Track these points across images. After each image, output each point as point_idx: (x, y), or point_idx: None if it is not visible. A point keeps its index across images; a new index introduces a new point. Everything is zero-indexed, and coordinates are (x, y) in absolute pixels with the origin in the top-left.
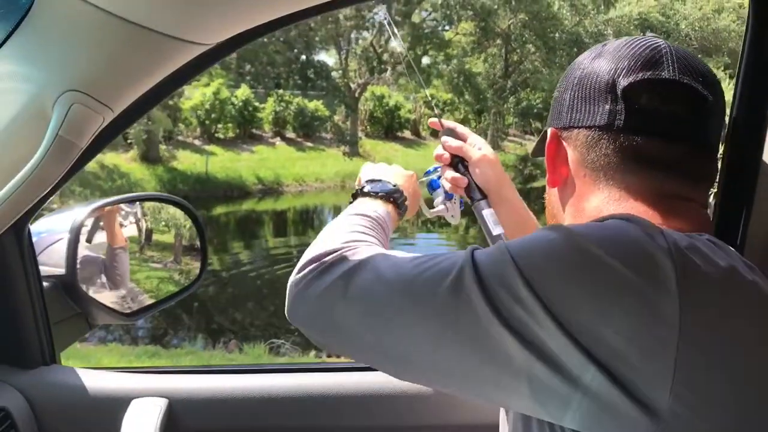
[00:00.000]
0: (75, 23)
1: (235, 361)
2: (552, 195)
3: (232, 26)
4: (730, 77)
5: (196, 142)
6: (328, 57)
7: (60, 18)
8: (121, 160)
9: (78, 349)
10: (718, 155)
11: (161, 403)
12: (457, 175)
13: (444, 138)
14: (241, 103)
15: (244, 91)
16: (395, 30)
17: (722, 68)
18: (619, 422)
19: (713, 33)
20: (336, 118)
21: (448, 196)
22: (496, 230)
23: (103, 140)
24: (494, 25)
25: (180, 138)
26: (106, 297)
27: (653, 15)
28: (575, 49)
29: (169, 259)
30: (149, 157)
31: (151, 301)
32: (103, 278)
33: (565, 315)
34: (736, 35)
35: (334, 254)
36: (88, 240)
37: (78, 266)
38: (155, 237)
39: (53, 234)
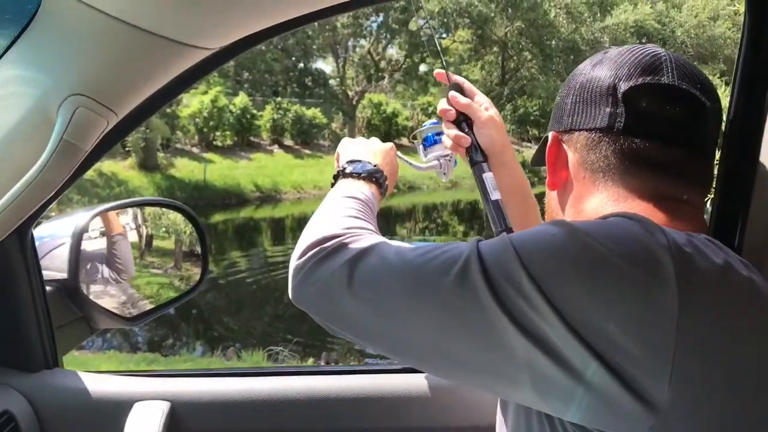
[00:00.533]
0: (79, 28)
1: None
2: (551, 198)
3: (235, 31)
4: (726, 84)
5: (194, 149)
6: (325, 65)
7: (65, 22)
8: (119, 167)
9: (76, 356)
10: (716, 161)
11: (164, 406)
12: (461, 134)
13: (452, 93)
14: (239, 111)
15: (242, 99)
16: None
17: (718, 75)
18: (620, 415)
19: (709, 40)
20: (334, 125)
21: (444, 153)
22: (495, 195)
23: (107, 144)
24: (491, 33)
25: (178, 146)
26: (110, 301)
27: (649, 22)
28: (572, 57)
29: (169, 265)
30: (147, 164)
31: (151, 306)
32: (106, 271)
33: (568, 309)
34: (732, 42)
35: (337, 239)
36: (95, 242)
37: (80, 268)
38: (156, 243)
39: (55, 239)
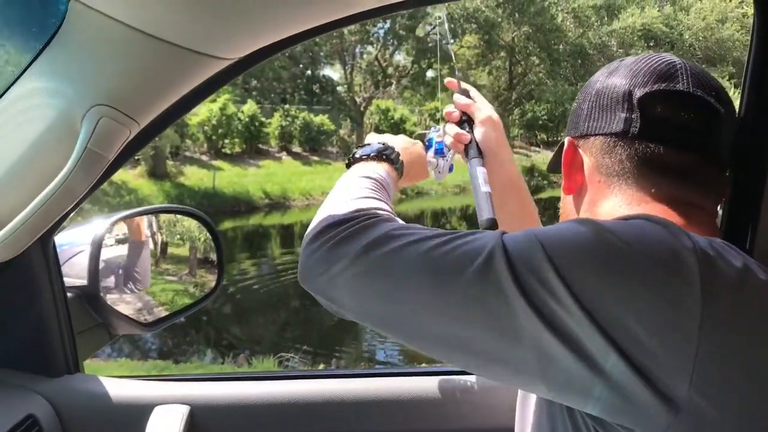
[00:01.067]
0: (103, 40)
1: None
2: (567, 203)
3: (254, 41)
4: (736, 87)
5: (203, 157)
6: (333, 72)
7: (88, 35)
8: (129, 176)
9: (88, 363)
10: (727, 167)
11: (183, 410)
12: (462, 131)
13: (456, 96)
14: (247, 119)
15: (250, 107)
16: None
17: (727, 78)
18: (639, 411)
19: (717, 43)
20: (342, 132)
21: (441, 154)
22: (485, 188)
23: (129, 152)
24: (498, 38)
25: (187, 154)
26: (126, 308)
27: (657, 26)
28: (579, 61)
29: (184, 272)
30: (157, 172)
31: (167, 313)
32: (123, 280)
33: (593, 303)
34: (741, 45)
35: (354, 221)
36: (113, 250)
37: (99, 276)
38: (170, 250)
39: (74, 246)
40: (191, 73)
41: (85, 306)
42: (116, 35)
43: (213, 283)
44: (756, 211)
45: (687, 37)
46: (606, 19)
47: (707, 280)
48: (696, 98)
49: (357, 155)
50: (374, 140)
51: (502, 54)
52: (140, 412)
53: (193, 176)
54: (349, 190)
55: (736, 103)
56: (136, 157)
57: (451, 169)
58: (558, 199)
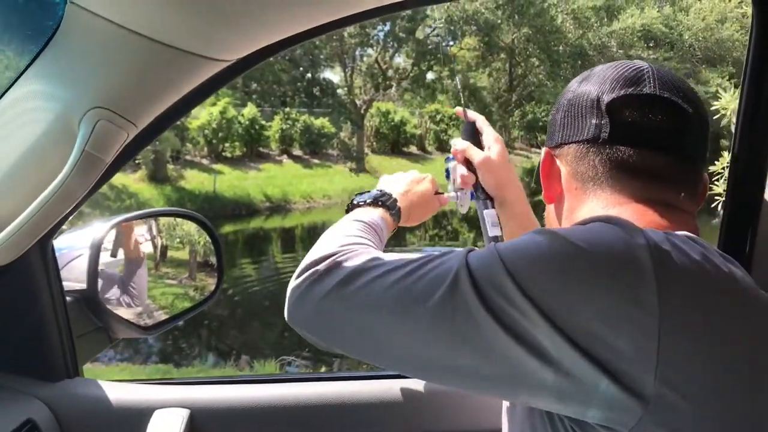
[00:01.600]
0: (100, 42)
1: None
2: (549, 212)
3: (251, 43)
4: (735, 86)
5: (204, 161)
6: (333, 74)
7: (85, 38)
8: (130, 180)
9: (89, 368)
10: (702, 166)
11: (183, 414)
12: (466, 172)
13: (453, 141)
14: (247, 122)
15: (250, 110)
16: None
17: (727, 78)
18: (611, 408)
19: (717, 43)
20: (342, 134)
21: (458, 187)
22: (493, 232)
23: (127, 155)
24: (498, 40)
25: (188, 157)
26: (125, 312)
27: (656, 26)
28: (579, 62)
29: (183, 276)
30: (157, 176)
31: (167, 316)
32: (120, 294)
33: (553, 310)
34: (740, 45)
35: (331, 259)
36: (113, 255)
37: (98, 280)
38: (170, 253)
39: (73, 250)
40: (188, 76)
41: (85, 310)
42: (113, 38)
43: (213, 287)
44: (755, 212)
45: (687, 37)
46: (606, 20)
47: (662, 273)
48: (663, 100)
49: (354, 202)
50: (381, 184)
51: (502, 56)
52: (140, 415)
53: (194, 180)
54: (336, 232)
55: (735, 104)
56: (137, 161)
57: (472, 196)
58: None
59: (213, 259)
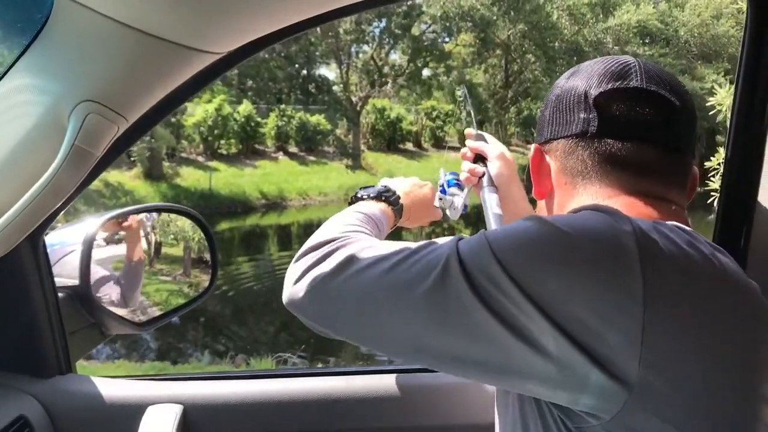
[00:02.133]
0: (89, 35)
1: None
2: (540, 207)
3: (242, 35)
4: (731, 82)
5: (200, 158)
6: (328, 71)
7: (74, 30)
8: (125, 177)
9: (85, 365)
10: (691, 158)
11: (176, 409)
12: (475, 165)
13: (469, 141)
14: (243, 119)
15: (246, 107)
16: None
17: (723, 74)
18: (596, 394)
19: (712, 39)
20: (338, 131)
21: (452, 185)
22: (497, 210)
23: (118, 150)
24: (494, 36)
25: (183, 155)
26: (119, 308)
27: (652, 22)
28: (575, 58)
29: (178, 272)
30: (153, 174)
31: (161, 312)
32: (115, 293)
33: (539, 295)
34: (736, 41)
35: (330, 244)
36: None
37: (91, 278)
38: (164, 250)
39: (65, 246)
40: (179, 68)
41: (77, 306)
42: (103, 30)
43: (207, 283)
44: (750, 207)
45: (682, 33)
46: (601, 16)
47: (647, 260)
48: (650, 93)
49: (358, 195)
50: (384, 182)
51: (498, 52)
52: (133, 412)
53: (190, 177)
54: (337, 221)
55: (730, 100)
56: (132, 159)
57: (465, 208)
58: None
59: (207, 256)
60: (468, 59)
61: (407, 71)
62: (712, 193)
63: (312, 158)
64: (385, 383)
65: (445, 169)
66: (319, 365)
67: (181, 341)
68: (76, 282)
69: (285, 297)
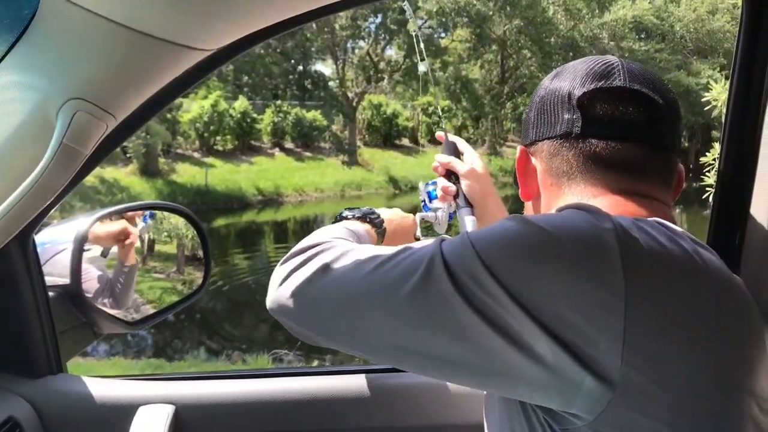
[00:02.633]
0: (77, 32)
1: None
2: (527, 208)
3: (232, 32)
4: (726, 78)
5: (195, 154)
6: (324, 67)
7: (62, 27)
8: (121, 173)
9: (81, 363)
10: (676, 156)
11: (168, 410)
12: (448, 184)
13: (438, 156)
14: (239, 115)
15: (242, 103)
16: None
17: (718, 69)
18: (579, 394)
19: (708, 34)
20: (334, 127)
21: (438, 206)
22: (473, 229)
23: (108, 147)
24: (490, 32)
25: (179, 151)
26: (111, 307)
27: (648, 18)
28: (571, 54)
29: (171, 270)
30: (148, 170)
31: (154, 311)
32: (107, 293)
33: (522, 294)
34: (731, 36)
35: (312, 249)
36: (104, 254)
37: (83, 277)
38: (157, 247)
39: (56, 244)
40: (169, 65)
41: (68, 305)
42: (91, 27)
43: (200, 280)
44: (745, 205)
45: (678, 28)
46: (597, 11)
47: (628, 257)
48: (633, 92)
49: (343, 214)
50: (372, 209)
51: (494, 47)
52: (124, 412)
53: (186, 173)
54: (322, 231)
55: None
56: (128, 155)
57: (450, 217)
58: None
59: (201, 253)
60: (464, 55)
61: (403, 67)
62: (708, 189)
63: (308, 154)
64: (376, 383)
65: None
66: (315, 362)
67: (177, 338)
68: (67, 281)
69: (268, 301)
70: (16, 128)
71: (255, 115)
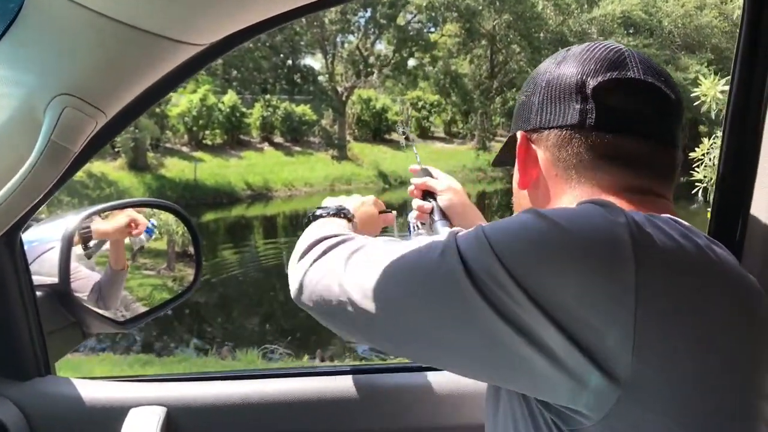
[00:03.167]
0: (65, 26)
1: (229, 368)
2: (521, 197)
3: (225, 26)
4: (715, 73)
5: (184, 149)
6: (314, 61)
7: (50, 21)
8: (109, 168)
9: (69, 359)
10: (680, 152)
11: (159, 412)
12: (423, 202)
13: (413, 179)
14: (228, 109)
15: (231, 97)
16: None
17: (706, 64)
18: (589, 391)
19: (696, 29)
20: (324, 122)
21: (419, 233)
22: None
23: (97, 144)
24: (479, 26)
25: (168, 145)
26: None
27: (636, 13)
28: (560, 49)
29: (162, 266)
30: (137, 165)
31: (145, 309)
32: (96, 297)
33: (536, 289)
34: (719, 31)
35: (332, 239)
36: (87, 255)
37: (71, 276)
38: (147, 244)
39: (44, 243)
40: (160, 61)
41: (57, 305)
42: (80, 21)
43: (192, 277)
44: (746, 198)
45: (666, 23)
46: (586, 6)
47: (640, 251)
48: (647, 85)
49: (317, 213)
50: (331, 202)
51: (483, 42)
52: (115, 414)
53: (174, 168)
54: (318, 228)
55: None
56: (116, 149)
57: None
58: None
59: (192, 249)
60: (453, 49)
61: (393, 61)
62: (697, 184)
63: (297, 149)
64: (373, 384)
65: (421, 157)
66: (305, 357)
67: (166, 333)
68: (55, 280)
69: (294, 293)
70: (2, 125)
71: (244, 110)
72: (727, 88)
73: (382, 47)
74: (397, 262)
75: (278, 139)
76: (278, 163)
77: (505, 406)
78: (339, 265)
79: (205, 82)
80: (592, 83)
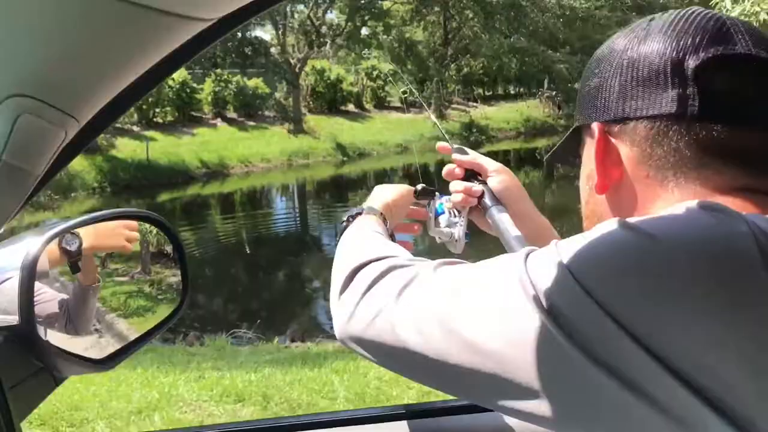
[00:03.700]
0: (22, 4)
1: (197, 355)
2: (598, 203)
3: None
4: None
5: (135, 128)
6: (264, 33)
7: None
8: None
9: None
10: None
11: None
12: (470, 184)
13: (455, 155)
14: (177, 85)
15: (179, 73)
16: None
17: None
18: None
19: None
20: (278, 95)
21: (452, 221)
22: (515, 231)
23: (67, 158)
24: None
25: (117, 125)
26: (73, 342)
27: None
28: (512, 13)
29: (136, 270)
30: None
31: (127, 341)
32: (65, 321)
33: (643, 331)
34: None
35: (380, 263)
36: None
37: (35, 309)
38: None
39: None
40: (158, 40)
41: (18, 350)
42: None
43: (171, 278)
44: None
45: None
46: None
47: None
48: (761, 61)
49: (349, 218)
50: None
51: (436, 9)
52: None
53: (126, 148)
54: (355, 241)
55: None
56: None
57: (467, 237)
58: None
59: (167, 248)
60: (407, 17)
61: (345, 31)
62: None
63: (252, 123)
64: (440, 427)
65: (389, 127)
66: (275, 339)
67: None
68: (15, 319)
69: (342, 333)
70: None
71: (194, 85)
72: None
73: (333, 16)
74: (460, 302)
75: (231, 114)
76: (233, 139)
77: None
78: (391, 304)
79: None
80: (692, 63)
